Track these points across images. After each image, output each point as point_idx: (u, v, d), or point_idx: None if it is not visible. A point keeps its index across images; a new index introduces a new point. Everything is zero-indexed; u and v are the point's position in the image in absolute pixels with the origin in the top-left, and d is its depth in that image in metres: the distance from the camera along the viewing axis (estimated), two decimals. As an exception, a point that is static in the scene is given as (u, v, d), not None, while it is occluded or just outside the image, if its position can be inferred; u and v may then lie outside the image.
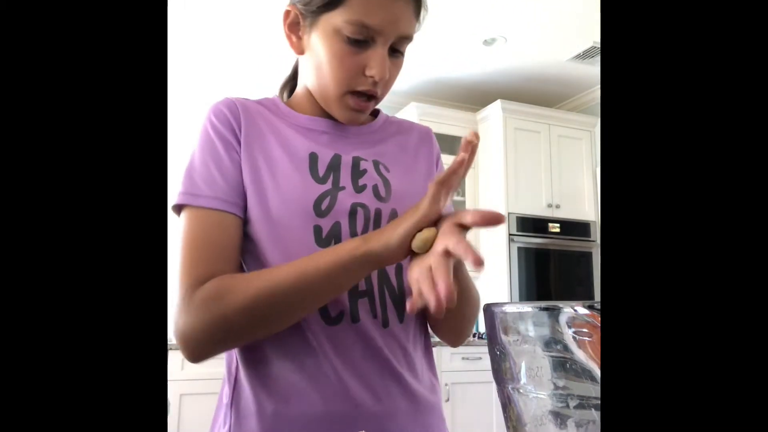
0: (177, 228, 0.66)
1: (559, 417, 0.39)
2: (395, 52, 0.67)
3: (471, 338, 3.47)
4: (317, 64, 0.67)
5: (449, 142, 3.87)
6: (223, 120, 0.68)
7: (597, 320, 0.36)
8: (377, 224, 0.68)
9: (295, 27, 0.70)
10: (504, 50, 3.36)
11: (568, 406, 0.38)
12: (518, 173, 3.63)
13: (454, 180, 0.57)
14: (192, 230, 0.65)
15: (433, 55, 3.44)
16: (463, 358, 3.24)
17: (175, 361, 2.71)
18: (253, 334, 0.61)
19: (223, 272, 0.62)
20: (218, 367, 2.76)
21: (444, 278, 0.49)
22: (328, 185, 0.67)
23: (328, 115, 0.73)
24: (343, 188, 0.67)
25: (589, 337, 0.37)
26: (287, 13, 0.69)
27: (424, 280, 0.51)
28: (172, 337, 3.19)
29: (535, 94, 3.96)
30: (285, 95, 0.81)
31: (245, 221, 0.66)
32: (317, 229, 0.65)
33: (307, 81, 0.72)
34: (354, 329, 0.64)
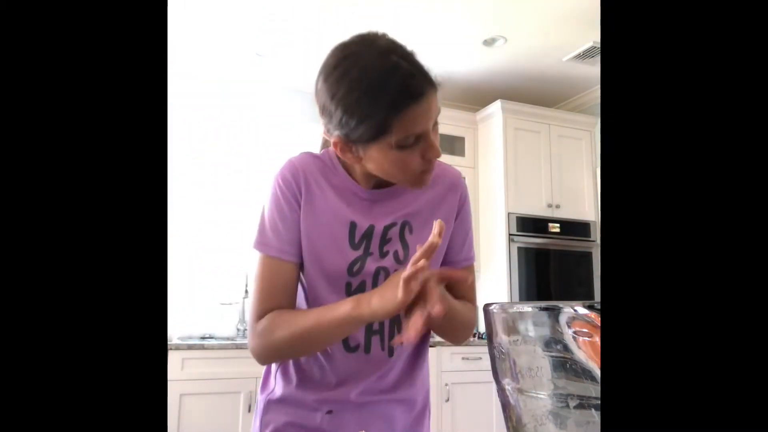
0: (253, 265, 0.88)
1: (559, 417, 0.39)
2: (434, 125, 0.80)
3: (471, 338, 3.47)
4: (380, 167, 0.80)
5: (449, 142, 3.87)
6: (289, 188, 0.86)
7: (597, 320, 0.36)
8: None
9: (346, 149, 0.79)
10: (504, 50, 3.36)
11: (568, 406, 0.38)
12: (518, 173, 3.63)
13: (419, 276, 0.71)
14: (262, 272, 0.85)
15: (433, 55, 3.43)
16: (463, 358, 3.24)
17: (175, 361, 2.71)
18: (295, 355, 0.88)
19: (279, 307, 0.84)
20: (218, 367, 2.76)
21: (415, 328, 0.69)
22: (361, 251, 0.86)
23: (373, 186, 0.89)
24: (371, 254, 0.87)
25: (589, 337, 0.37)
26: (335, 144, 0.79)
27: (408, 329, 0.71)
28: (172, 337, 3.18)
29: (535, 94, 3.96)
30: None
31: (301, 264, 0.87)
32: (348, 285, 0.86)
33: (372, 171, 0.82)
34: (366, 357, 0.87)
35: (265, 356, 0.84)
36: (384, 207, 0.89)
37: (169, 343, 2.85)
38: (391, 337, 0.89)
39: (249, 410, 2.82)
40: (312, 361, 0.89)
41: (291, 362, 0.91)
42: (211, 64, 3.52)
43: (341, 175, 0.88)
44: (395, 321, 0.88)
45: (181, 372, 2.74)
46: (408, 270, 0.70)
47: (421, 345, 0.95)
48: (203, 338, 3.18)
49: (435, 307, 0.69)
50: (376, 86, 0.72)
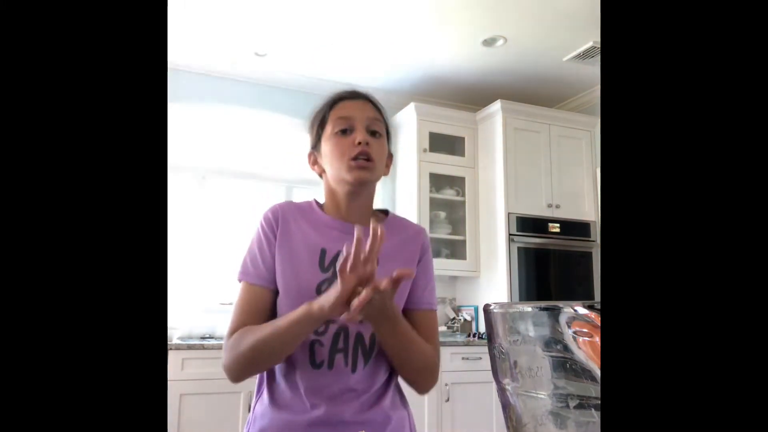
0: (235, 293, 1.02)
1: (559, 417, 0.39)
2: (374, 134, 1.02)
3: (471, 338, 3.47)
4: (330, 161, 1.02)
5: (449, 142, 3.87)
6: (268, 224, 1.03)
7: (597, 320, 0.36)
8: None
9: (313, 160, 1.08)
10: (504, 50, 3.36)
11: (568, 406, 0.38)
12: (518, 173, 3.63)
13: (353, 266, 0.81)
14: (240, 296, 0.99)
15: (433, 55, 3.43)
16: (463, 358, 3.24)
17: (175, 361, 2.71)
18: (262, 364, 0.96)
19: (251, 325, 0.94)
20: (218, 367, 2.76)
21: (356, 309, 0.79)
22: (329, 274, 0.98)
23: (343, 217, 1.04)
24: None
25: (589, 337, 0.37)
26: (309, 158, 1.09)
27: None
28: (172, 337, 3.18)
29: (535, 94, 3.96)
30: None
31: (276, 291, 0.99)
32: None
33: (330, 181, 1.04)
34: (330, 373, 0.96)
35: (235, 368, 0.93)
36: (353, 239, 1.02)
37: (169, 343, 2.85)
38: (354, 355, 0.98)
39: (249, 410, 2.82)
40: (285, 384, 0.97)
41: (267, 394, 0.99)
42: (210, 63, 3.51)
43: (317, 213, 1.06)
44: (359, 342, 0.98)
45: (181, 372, 2.74)
46: (340, 259, 0.82)
47: (388, 371, 1.02)
48: (203, 338, 3.18)
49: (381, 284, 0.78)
50: (323, 102, 1.06)
